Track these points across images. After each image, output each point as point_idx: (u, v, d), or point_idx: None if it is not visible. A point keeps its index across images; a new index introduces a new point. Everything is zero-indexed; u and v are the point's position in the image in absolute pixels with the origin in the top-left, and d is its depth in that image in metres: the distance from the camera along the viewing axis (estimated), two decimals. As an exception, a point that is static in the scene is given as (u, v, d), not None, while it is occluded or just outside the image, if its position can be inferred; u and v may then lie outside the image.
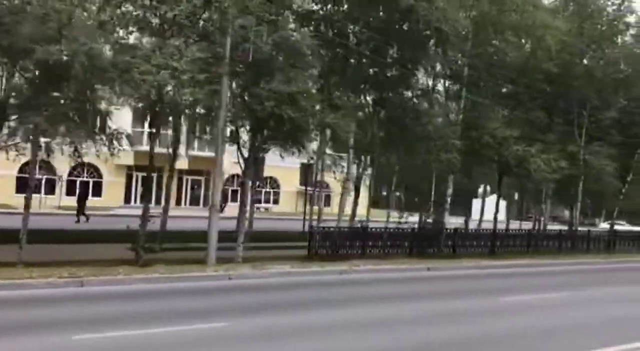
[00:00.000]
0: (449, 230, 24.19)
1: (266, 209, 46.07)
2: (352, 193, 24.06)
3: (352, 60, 21.26)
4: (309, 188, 27.82)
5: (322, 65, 20.86)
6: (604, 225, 64.71)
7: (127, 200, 41.12)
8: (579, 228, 30.41)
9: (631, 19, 28.19)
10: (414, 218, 27.01)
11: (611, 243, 30.40)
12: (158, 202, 43.37)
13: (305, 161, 28.30)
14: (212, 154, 40.14)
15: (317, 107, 18.21)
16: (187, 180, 43.60)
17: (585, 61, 27.39)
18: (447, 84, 25.59)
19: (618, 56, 26.66)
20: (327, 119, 17.57)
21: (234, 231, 24.15)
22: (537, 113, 26.03)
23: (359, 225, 23.50)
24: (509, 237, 26.39)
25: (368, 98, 22.96)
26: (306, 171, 25.50)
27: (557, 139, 25.54)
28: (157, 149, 36.05)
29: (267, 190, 48.10)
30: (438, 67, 24.15)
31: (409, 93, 23.44)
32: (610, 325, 11.50)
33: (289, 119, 16.20)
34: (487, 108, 24.82)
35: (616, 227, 59.55)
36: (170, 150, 23.40)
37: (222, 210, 29.93)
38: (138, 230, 17.08)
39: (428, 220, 25.86)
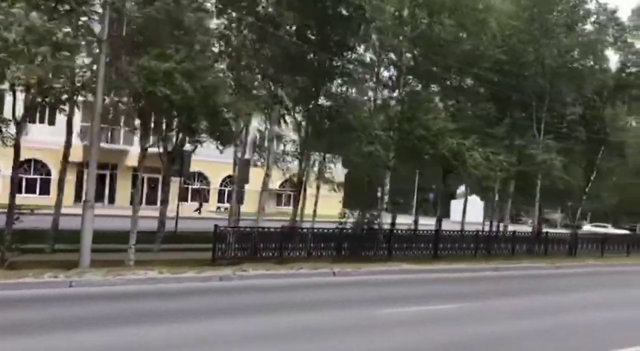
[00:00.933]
0: (384, 231, 21.92)
1: (226, 209, 43.69)
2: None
3: (267, 43, 18.93)
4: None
5: (234, 46, 18.71)
6: (587, 227, 62.29)
7: (78, 198, 38.87)
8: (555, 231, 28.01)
9: (591, 5, 25.89)
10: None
11: (573, 247, 27.84)
12: (112, 200, 41.52)
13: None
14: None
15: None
16: (142, 177, 41.10)
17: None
18: (389, 73, 23.29)
19: (573, 44, 24.16)
20: (218, 99, 15.24)
21: (155, 231, 22.04)
22: (485, 105, 23.61)
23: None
24: (457, 239, 23.93)
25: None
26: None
27: (506, 133, 23.12)
28: (108, 145, 33.63)
29: (230, 189, 45.72)
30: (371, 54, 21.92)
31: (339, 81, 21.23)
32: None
33: (166, 99, 14.00)
34: (428, 99, 22.44)
35: (596, 229, 57.40)
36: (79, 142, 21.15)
37: (199, 211, 27.59)
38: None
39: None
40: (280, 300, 12.22)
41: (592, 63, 26.88)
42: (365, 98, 21.88)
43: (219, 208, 43.26)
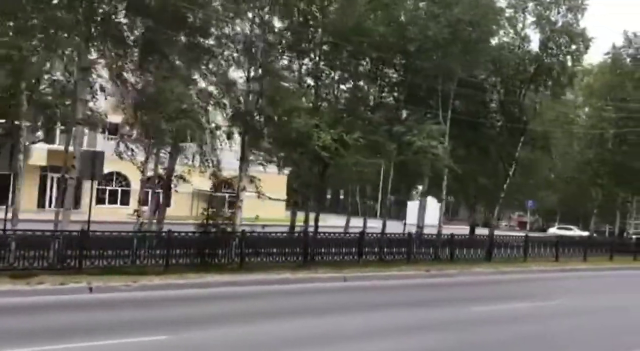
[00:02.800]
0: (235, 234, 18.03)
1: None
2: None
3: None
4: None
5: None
6: (553, 230, 58.17)
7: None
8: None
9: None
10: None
11: (490, 251, 23.79)
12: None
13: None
14: (82, 148, 34.45)
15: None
16: (51, 178, 37.32)
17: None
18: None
19: (465, 14, 20.07)
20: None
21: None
22: (363, 86, 19.73)
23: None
24: (336, 243, 19.94)
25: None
26: (84, 159, 19.04)
27: (384, 118, 19.21)
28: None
29: (157, 191, 41.88)
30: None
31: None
32: None
33: None
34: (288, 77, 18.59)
35: (560, 232, 53.36)
36: None
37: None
38: None
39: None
40: None
41: (506, 39, 23.23)
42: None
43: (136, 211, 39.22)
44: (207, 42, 18.07)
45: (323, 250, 19.36)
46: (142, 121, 16.17)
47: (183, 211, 41.73)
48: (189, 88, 15.18)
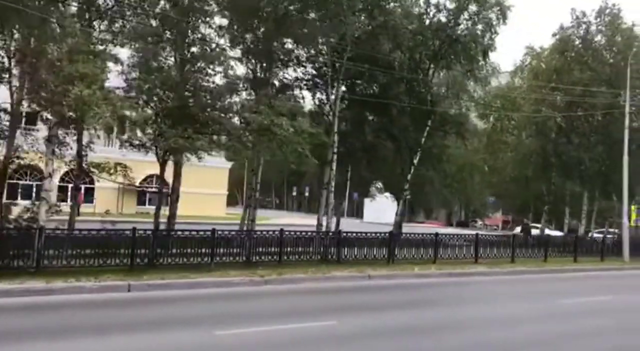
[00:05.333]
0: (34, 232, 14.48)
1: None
2: None
3: None
4: None
5: None
6: (519, 228, 54.27)
7: None
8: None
9: None
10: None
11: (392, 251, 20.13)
12: None
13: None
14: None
15: None
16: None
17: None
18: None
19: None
20: None
21: None
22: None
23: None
24: (178, 244, 16.29)
25: None
26: None
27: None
28: None
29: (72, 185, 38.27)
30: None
31: None
32: None
33: None
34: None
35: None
36: None
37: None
38: None
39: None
40: None
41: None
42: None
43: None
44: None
45: (164, 251, 15.91)
46: None
47: (107, 206, 38.21)
48: None
